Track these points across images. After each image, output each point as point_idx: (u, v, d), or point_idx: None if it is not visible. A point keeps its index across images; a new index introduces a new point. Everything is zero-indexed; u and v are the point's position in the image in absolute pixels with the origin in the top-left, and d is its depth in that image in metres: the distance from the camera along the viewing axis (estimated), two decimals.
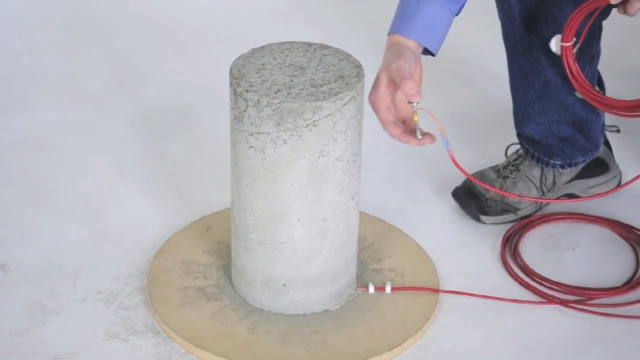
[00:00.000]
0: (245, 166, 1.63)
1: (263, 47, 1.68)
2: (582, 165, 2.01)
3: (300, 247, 1.67)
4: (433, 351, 1.69)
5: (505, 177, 1.99)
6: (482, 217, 1.97)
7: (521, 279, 1.85)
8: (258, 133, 1.58)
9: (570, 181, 2.02)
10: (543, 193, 2.00)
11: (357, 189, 1.70)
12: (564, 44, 1.70)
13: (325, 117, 1.56)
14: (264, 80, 1.59)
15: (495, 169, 2.02)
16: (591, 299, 1.80)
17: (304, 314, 1.72)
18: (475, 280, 1.83)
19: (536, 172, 1.99)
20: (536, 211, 2.01)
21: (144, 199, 2.04)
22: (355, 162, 1.66)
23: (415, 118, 1.60)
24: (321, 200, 1.63)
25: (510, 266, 1.88)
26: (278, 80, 1.59)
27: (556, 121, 1.92)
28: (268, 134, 1.57)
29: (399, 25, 1.65)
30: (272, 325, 1.70)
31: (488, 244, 1.94)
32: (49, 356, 1.65)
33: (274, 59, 1.65)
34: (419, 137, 1.60)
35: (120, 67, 2.55)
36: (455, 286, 1.80)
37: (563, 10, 1.77)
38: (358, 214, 1.73)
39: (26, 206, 2.01)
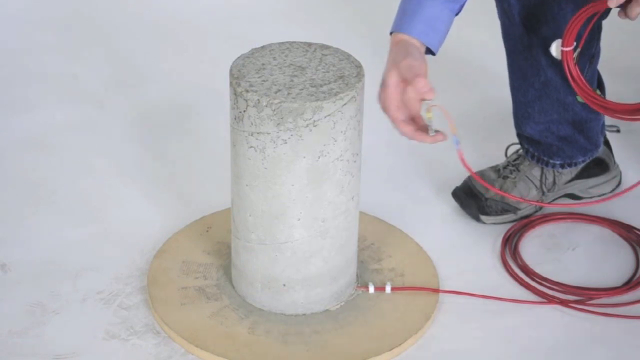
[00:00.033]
0: (245, 166, 1.63)
1: (263, 47, 1.68)
2: (582, 165, 2.01)
3: (300, 247, 1.67)
4: (433, 351, 1.69)
5: (505, 177, 1.99)
6: (482, 217, 1.97)
7: (521, 279, 1.85)
8: (258, 133, 1.58)
9: (570, 181, 2.02)
10: (543, 193, 2.00)
11: (357, 189, 1.70)
12: (565, 49, 1.70)
13: (325, 117, 1.56)
14: (264, 80, 1.59)
15: (495, 169, 2.02)
16: (591, 299, 1.80)
17: (304, 314, 1.72)
18: (475, 280, 1.83)
19: (536, 172, 1.99)
20: (536, 211, 2.01)
21: (144, 199, 2.04)
22: (355, 162, 1.66)
23: (429, 115, 1.58)
24: (321, 200, 1.63)
25: (510, 266, 1.88)
26: (278, 80, 1.59)
27: (556, 121, 1.92)
28: (268, 134, 1.57)
29: (401, 23, 1.65)
30: (272, 325, 1.70)
31: (488, 244, 1.94)
32: (49, 356, 1.65)
33: (274, 59, 1.65)
34: (432, 134, 1.59)
35: (120, 67, 2.55)
36: (455, 286, 1.80)
37: (563, 9, 1.77)
38: (358, 214, 1.73)
39: (26, 206, 2.02)
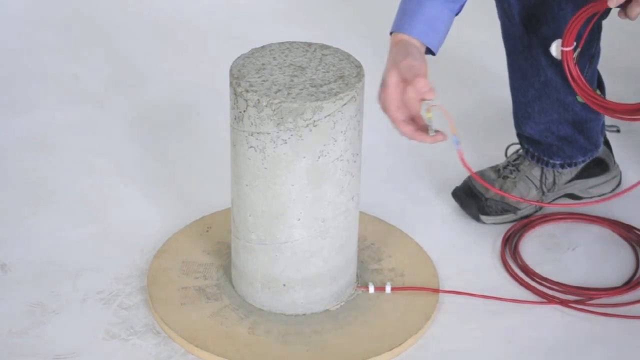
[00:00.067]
0: (245, 166, 1.63)
1: (263, 47, 1.68)
2: (582, 165, 2.01)
3: (300, 247, 1.67)
4: (433, 351, 1.69)
5: (505, 177, 1.99)
6: (482, 217, 1.97)
7: (521, 279, 1.85)
8: (258, 133, 1.58)
9: (570, 181, 2.02)
10: (543, 193, 2.00)
11: (357, 189, 1.70)
12: (565, 49, 1.70)
13: (325, 117, 1.56)
14: (264, 80, 1.59)
15: (495, 169, 2.02)
16: (591, 299, 1.80)
17: (304, 314, 1.72)
18: (475, 280, 1.83)
19: (536, 172, 1.99)
20: (536, 211, 2.01)
21: (144, 199, 2.04)
22: (355, 162, 1.66)
23: (429, 115, 1.58)
24: (321, 200, 1.63)
25: (510, 266, 1.88)
26: (278, 80, 1.59)
27: (556, 121, 1.92)
28: (268, 134, 1.57)
29: (401, 23, 1.65)
30: (272, 325, 1.70)
31: (488, 244, 1.94)
32: (49, 356, 1.65)
33: (274, 59, 1.65)
34: (432, 134, 1.59)
35: (120, 67, 2.55)
36: (455, 286, 1.80)
37: (563, 9, 1.77)
38: (358, 214, 1.73)
39: (26, 206, 2.02)
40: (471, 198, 1.98)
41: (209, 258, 1.84)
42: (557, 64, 1.82)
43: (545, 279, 1.84)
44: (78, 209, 2.01)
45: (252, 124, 1.58)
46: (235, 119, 1.61)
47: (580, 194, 2.05)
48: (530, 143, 1.98)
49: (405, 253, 1.87)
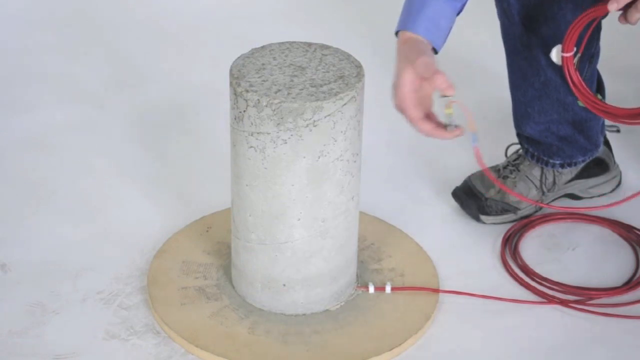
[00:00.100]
0: (245, 166, 1.63)
1: (263, 47, 1.68)
2: (582, 165, 2.01)
3: (300, 247, 1.67)
4: (433, 351, 1.69)
5: (505, 177, 1.99)
6: (482, 217, 1.97)
7: (521, 279, 1.85)
8: (258, 133, 1.58)
9: (570, 181, 2.02)
10: (543, 193, 2.00)
11: (357, 189, 1.70)
12: (565, 55, 1.70)
13: (325, 117, 1.56)
14: (264, 80, 1.59)
15: (495, 168, 2.02)
16: (591, 299, 1.80)
17: (304, 314, 1.72)
18: (475, 280, 1.83)
19: (536, 171, 1.99)
20: (536, 211, 2.01)
21: (144, 199, 2.04)
22: (355, 162, 1.66)
23: (449, 111, 1.58)
24: (321, 200, 1.63)
25: (510, 266, 1.87)
26: (278, 80, 1.59)
27: (556, 120, 1.92)
28: (268, 134, 1.57)
29: (406, 22, 1.65)
30: (272, 325, 1.70)
31: (488, 244, 1.94)
32: (49, 356, 1.65)
33: (274, 59, 1.65)
34: (452, 129, 1.59)
35: (120, 67, 2.55)
36: (455, 286, 1.80)
37: (562, 9, 1.77)
38: (358, 214, 1.73)
39: (26, 206, 2.01)
40: (471, 198, 1.98)
41: (209, 258, 1.84)
42: (556, 64, 1.81)
43: (545, 279, 1.84)
44: (78, 209, 2.01)
45: (252, 124, 1.58)
46: (235, 119, 1.61)
47: (580, 194, 2.05)
48: (530, 143, 1.98)
49: (405, 253, 1.87)
